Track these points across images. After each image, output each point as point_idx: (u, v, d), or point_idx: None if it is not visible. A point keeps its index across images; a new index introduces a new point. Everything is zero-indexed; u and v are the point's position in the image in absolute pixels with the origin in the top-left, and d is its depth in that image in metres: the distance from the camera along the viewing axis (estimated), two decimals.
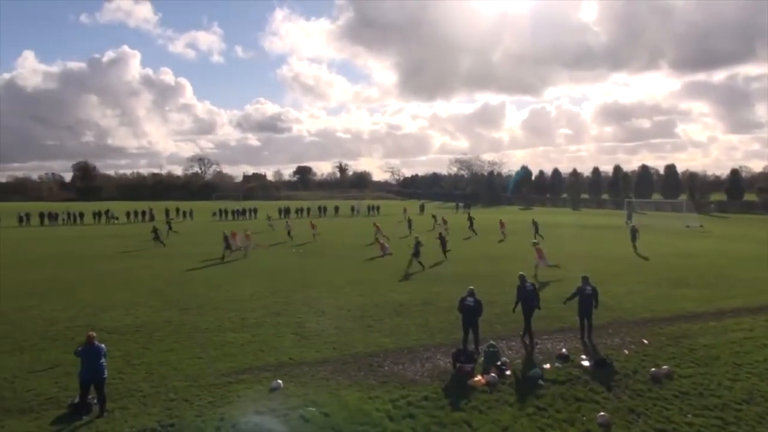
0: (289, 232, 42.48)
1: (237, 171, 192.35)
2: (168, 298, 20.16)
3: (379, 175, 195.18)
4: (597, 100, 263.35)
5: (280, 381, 11.47)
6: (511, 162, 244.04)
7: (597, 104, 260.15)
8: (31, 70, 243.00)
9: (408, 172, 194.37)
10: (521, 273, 15.21)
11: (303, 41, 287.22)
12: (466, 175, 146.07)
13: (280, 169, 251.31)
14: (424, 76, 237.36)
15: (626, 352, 13.53)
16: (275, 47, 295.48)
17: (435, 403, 10.56)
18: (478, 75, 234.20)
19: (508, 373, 11.97)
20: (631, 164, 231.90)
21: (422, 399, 10.71)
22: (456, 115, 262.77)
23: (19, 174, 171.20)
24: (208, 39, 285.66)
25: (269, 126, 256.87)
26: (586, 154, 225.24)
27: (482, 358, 12.75)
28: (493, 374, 11.78)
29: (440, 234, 32.69)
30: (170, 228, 48.10)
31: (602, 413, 10.01)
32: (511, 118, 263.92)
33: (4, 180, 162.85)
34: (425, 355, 13.46)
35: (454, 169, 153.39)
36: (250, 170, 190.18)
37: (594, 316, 14.65)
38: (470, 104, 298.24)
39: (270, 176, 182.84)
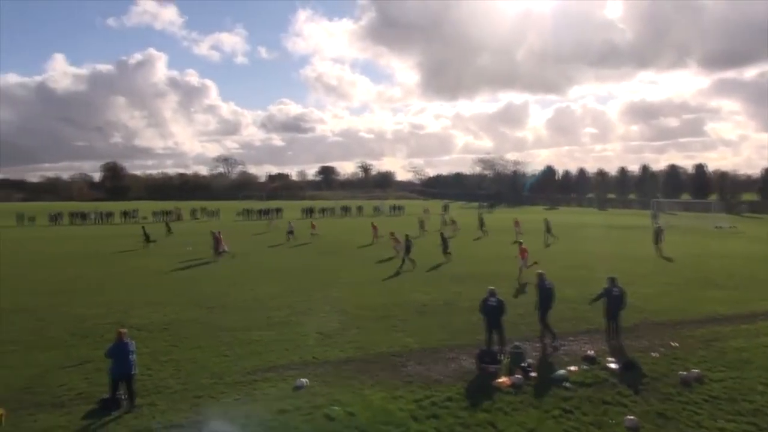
0: (290, 232, 41.68)
1: (261, 171, 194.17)
2: (194, 297, 20.41)
3: (402, 175, 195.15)
4: (623, 99, 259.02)
5: (305, 379, 11.54)
6: (536, 161, 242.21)
7: (623, 103, 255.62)
8: (61, 72, 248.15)
9: (431, 172, 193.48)
10: (540, 271, 15.07)
11: (326, 42, 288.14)
12: (490, 175, 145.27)
13: (303, 169, 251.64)
14: (447, 76, 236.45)
15: (655, 354, 13.31)
16: (298, 48, 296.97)
17: (459, 403, 10.52)
18: (502, 74, 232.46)
19: (533, 374, 11.87)
20: (658, 164, 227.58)
21: (446, 399, 10.68)
22: (479, 115, 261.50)
23: (51, 174, 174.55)
24: (232, 40, 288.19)
25: (293, 126, 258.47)
26: (612, 153, 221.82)
27: (507, 359, 12.67)
28: (517, 375, 11.69)
29: (442, 234, 32.27)
30: (169, 230, 48.01)
31: (630, 417, 9.87)
32: (535, 117, 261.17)
33: (36, 180, 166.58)
34: (449, 355, 13.42)
35: (477, 169, 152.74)
36: (275, 170, 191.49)
37: (621, 317, 14.45)
38: (493, 103, 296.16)
39: (294, 176, 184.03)
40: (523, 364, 12.25)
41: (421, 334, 15.21)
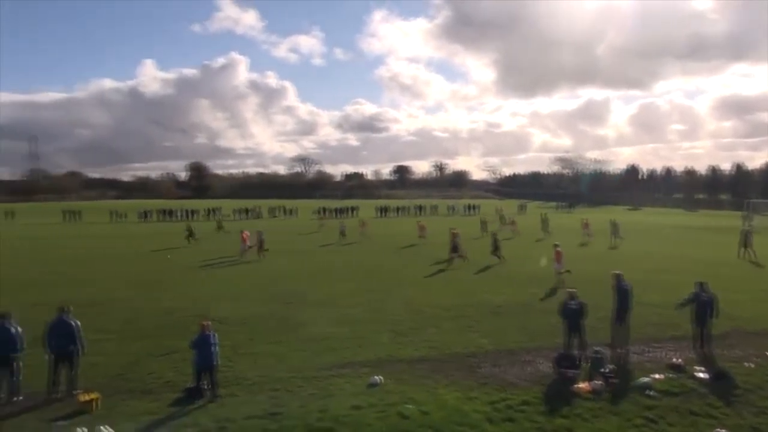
0: (342, 232, 41.69)
1: (337, 170, 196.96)
2: (272, 292, 21.03)
3: (477, 174, 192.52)
4: (714, 93, 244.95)
5: (379, 377, 11.62)
6: (618, 160, 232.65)
7: (714, 97, 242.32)
8: (150, 77, 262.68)
9: (507, 171, 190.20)
10: (616, 272, 14.46)
11: (400, 41, 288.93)
12: (569, 174, 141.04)
13: (378, 168, 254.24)
14: (524, 73, 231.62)
15: (749, 365, 12.48)
16: (373, 48, 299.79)
17: (536, 408, 10.27)
18: (581, 70, 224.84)
19: (614, 381, 11.41)
20: (753, 162, 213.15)
21: (522, 403, 10.45)
22: (557, 112, 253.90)
23: (141, 173, 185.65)
24: (310, 42, 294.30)
25: (368, 126, 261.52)
26: (702, 151, 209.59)
27: (586, 364, 12.26)
28: (598, 381, 11.29)
29: (494, 234, 31.28)
30: (220, 227, 49.56)
31: (721, 429, 9.31)
32: (617, 113, 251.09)
33: (128, 179, 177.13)
34: (525, 358, 13.14)
35: (555, 168, 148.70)
36: (350, 170, 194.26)
37: (711, 324, 13.64)
38: (572, 100, 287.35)
39: (369, 175, 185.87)
40: (603, 370, 11.80)
41: (496, 335, 14.99)
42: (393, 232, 45.38)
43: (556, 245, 24.27)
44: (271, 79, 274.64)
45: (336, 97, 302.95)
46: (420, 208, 78.78)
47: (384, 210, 74.92)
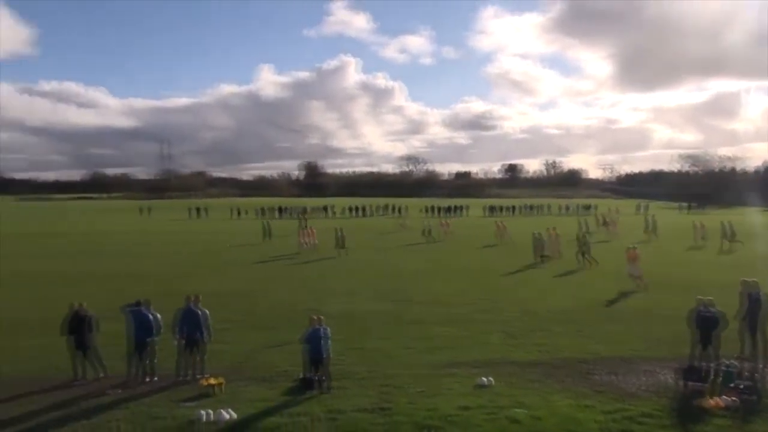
0: (429, 232, 41.19)
1: (445, 169, 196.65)
2: (381, 290, 21.36)
3: (593, 173, 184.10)
4: None
5: (489, 378, 11.42)
6: (754, 156, 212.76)
7: None
8: (268, 81, 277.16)
9: (626, 169, 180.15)
10: (746, 279, 13.17)
11: (511, 37, 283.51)
12: (699, 172, 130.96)
13: (487, 166, 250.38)
14: (645, 65, 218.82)
15: None
16: (483, 45, 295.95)
17: (658, 421, 9.62)
18: (710, 60, 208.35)
19: (749, 397, 10.44)
20: None
21: (642, 415, 9.82)
22: (682, 106, 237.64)
23: (258, 172, 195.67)
24: (419, 42, 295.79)
25: (477, 124, 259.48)
26: None
27: (716, 378, 11.30)
28: (730, 397, 10.38)
29: (584, 236, 28.94)
30: (305, 225, 50.04)
31: None
32: (752, 106, 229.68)
33: (246, 178, 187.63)
34: (645, 367, 12.35)
35: (680, 166, 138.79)
36: (459, 168, 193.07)
37: None
38: (700, 93, 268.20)
39: (478, 174, 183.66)
40: (736, 385, 10.83)
41: (613, 342, 14.24)
42: (478, 233, 44.36)
43: (630, 248, 22.81)
44: (381, 80, 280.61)
45: (444, 95, 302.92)
46: (530, 207, 76.63)
47: (493, 209, 73.65)
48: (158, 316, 11.98)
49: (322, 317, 11.85)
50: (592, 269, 25.71)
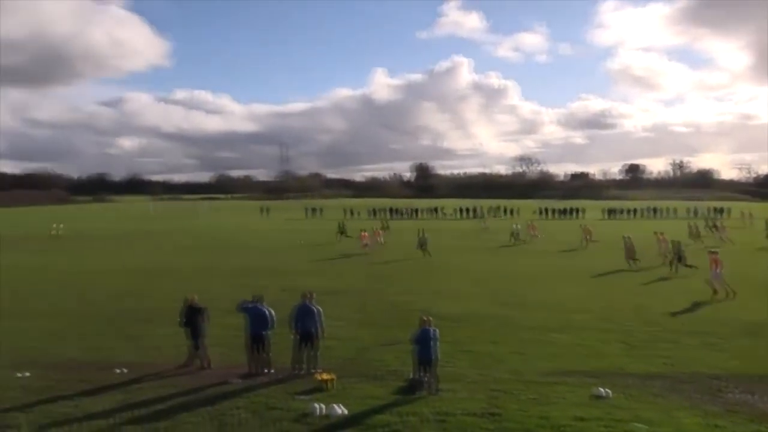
0: (516, 235, 39.81)
1: (560, 170, 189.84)
2: (493, 292, 21.03)
3: (726, 173, 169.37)
4: None
5: (606, 389, 10.87)
6: None
7: None
8: (381, 84, 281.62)
9: (765, 170, 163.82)
10: None
11: (634, 30, 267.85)
12: None
13: (606, 167, 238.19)
14: None
15: None
16: (602, 40, 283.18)
17: None
18: None
19: None
20: None
21: None
22: None
23: (371, 174, 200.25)
24: (533, 39, 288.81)
25: (594, 122, 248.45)
26: None
27: None
28: None
29: (677, 243, 26.28)
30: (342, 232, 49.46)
31: None
32: None
33: (360, 179, 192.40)
34: None
35: None
36: (575, 169, 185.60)
37: None
38: None
39: (596, 175, 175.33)
40: None
41: (749, 358, 13.02)
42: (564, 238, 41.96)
43: (711, 251, 20.75)
44: (494, 79, 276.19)
45: (560, 93, 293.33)
46: (654, 210, 71.90)
47: (612, 212, 69.88)
48: (272, 311, 12.55)
49: (430, 318, 11.85)
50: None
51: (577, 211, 70.99)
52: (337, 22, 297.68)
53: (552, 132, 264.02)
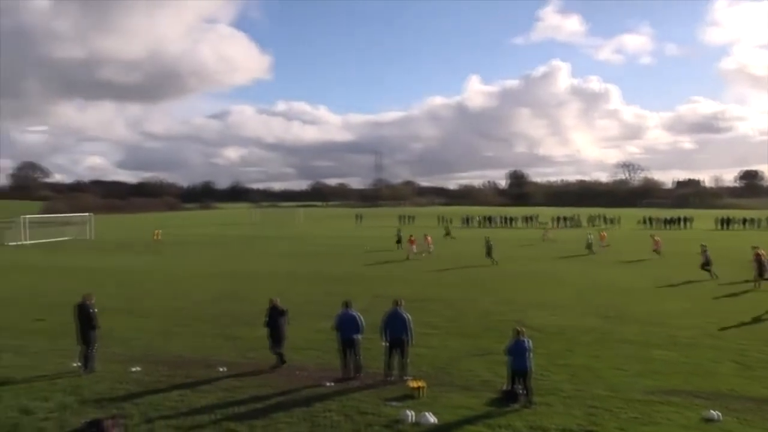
0: (590, 244, 37.95)
1: (666, 177, 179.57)
2: (590, 304, 20.16)
3: None
4: None
5: (717, 412, 10.09)
6: None
7: None
8: (475, 91, 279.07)
9: None
10: None
11: (751, 26, 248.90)
12: None
13: (719, 173, 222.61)
14: None
15: None
16: (714, 39, 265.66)
17: None
18: None
19: None
20: None
21: None
22: None
23: (465, 182, 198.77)
24: (637, 41, 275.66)
25: (705, 126, 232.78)
26: None
27: None
28: None
29: (757, 252, 23.68)
30: (448, 233, 50.28)
31: None
32: None
33: (453, 187, 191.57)
34: None
35: None
36: (683, 176, 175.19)
37: None
38: None
39: (706, 182, 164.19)
40: None
41: None
42: (633, 247, 39.04)
43: (754, 247, 18.17)
44: (594, 83, 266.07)
45: (666, 96, 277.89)
46: None
47: (726, 221, 64.92)
48: (360, 316, 12.67)
49: (524, 329, 11.54)
50: None
51: (685, 220, 66.66)
52: (432, 32, 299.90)
53: (657, 137, 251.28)
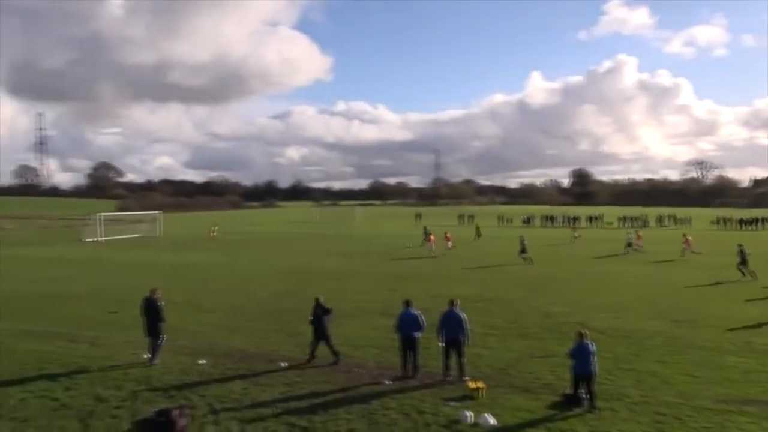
0: (629, 245, 36.94)
1: (743, 175, 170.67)
2: (657, 307, 19.40)
3: None
4: None
5: None
6: None
7: None
8: (537, 88, 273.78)
9: None
10: None
11: None
12: None
13: None
14: None
15: None
16: None
17: None
18: None
19: None
20: None
21: None
22: None
23: (525, 180, 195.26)
24: (709, 33, 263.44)
25: None
26: None
27: None
28: None
29: (740, 247, 25.58)
30: (479, 234, 49.95)
31: None
32: None
33: (513, 186, 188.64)
34: None
35: None
36: (761, 174, 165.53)
37: None
38: None
39: None
40: None
41: None
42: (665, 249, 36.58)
43: None
44: (663, 78, 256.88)
45: (742, 90, 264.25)
46: None
47: None
48: (421, 315, 12.63)
49: (587, 332, 11.22)
50: None
51: (763, 221, 62.97)
52: (493, 29, 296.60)
53: (732, 133, 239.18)
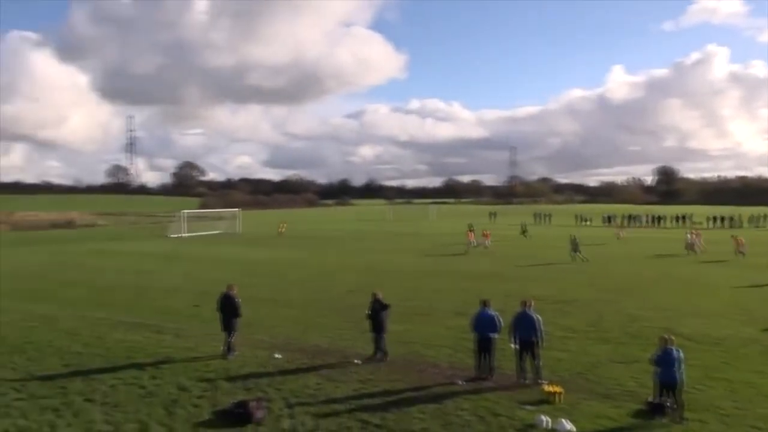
0: (691, 245, 35.54)
1: None
2: (753, 314, 18.14)
3: None
4: None
5: None
6: None
7: None
8: (618, 82, 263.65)
9: None
10: None
11: None
12: None
13: None
14: None
15: None
16: None
17: None
18: None
19: None
20: None
21: None
22: None
23: (606, 178, 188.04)
24: None
25: None
26: None
27: None
28: None
29: None
30: (525, 231, 49.95)
31: None
32: None
33: (593, 184, 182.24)
34: None
35: None
36: None
37: None
38: None
39: None
40: None
41: None
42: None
43: None
44: (757, 69, 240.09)
45: None
46: None
47: None
48: (498, 316, 12.37)
49: (673, 337, 10.61)
50: None
51: None
52: (572, 21, 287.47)
53: None
